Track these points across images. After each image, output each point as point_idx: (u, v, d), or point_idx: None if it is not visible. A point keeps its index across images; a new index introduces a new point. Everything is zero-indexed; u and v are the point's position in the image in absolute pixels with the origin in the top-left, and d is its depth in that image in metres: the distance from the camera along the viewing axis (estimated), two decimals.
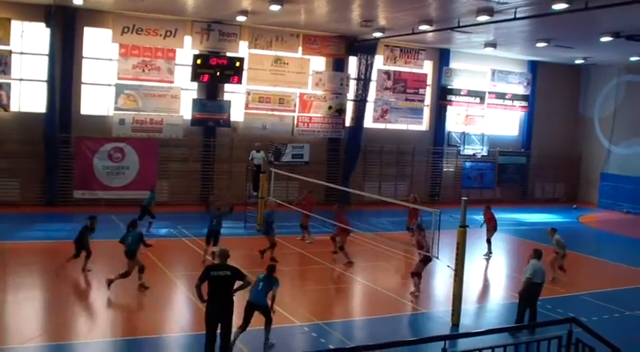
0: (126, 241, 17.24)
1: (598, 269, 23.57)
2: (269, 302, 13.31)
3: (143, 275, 17.03)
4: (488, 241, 24.02)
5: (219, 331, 11.75)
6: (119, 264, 17.98)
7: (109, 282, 16.67)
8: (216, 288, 11.67)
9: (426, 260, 17.63)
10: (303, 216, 24.31)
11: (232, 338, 12.36)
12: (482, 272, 21.76)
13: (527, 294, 15.15)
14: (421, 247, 17.72)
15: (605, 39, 27.69)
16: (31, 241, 22.20)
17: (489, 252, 23.79)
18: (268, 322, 13.27)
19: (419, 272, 17.78)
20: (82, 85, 29.44)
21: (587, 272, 23.09)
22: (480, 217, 24.57)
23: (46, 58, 28.11)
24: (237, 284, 11.88)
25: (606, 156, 40.74)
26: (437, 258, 16.98)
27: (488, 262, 23.37)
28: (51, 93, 28.22)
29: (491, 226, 24.20)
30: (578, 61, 38.23)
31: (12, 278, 17.60)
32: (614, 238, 30.82)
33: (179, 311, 16.28)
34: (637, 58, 33.49)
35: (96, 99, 29.91)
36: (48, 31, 27.93)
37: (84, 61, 29.32)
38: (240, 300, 12.51)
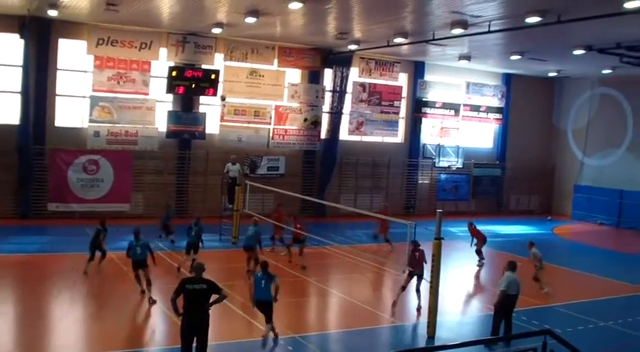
0: (134, 253, 17.41)
1: (573, 280, 23.73)
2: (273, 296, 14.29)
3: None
4: (479, 252, 24.62)
5: (194, 344, 11.67)
6: (97, 276, 17.88)
7: (150, 300, 17.04)
8: (191, 302, 11.58)
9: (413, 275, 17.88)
10: (275, 228, 24.31)
11: (265, 332, 14.05)
12: (458, 284, 21.78)
13: (503, 306, 15.19)
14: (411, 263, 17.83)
15: (577, 52, 27.99)
16: (4, 254, 21.85)
17: (482, 260, 24.57)
18: (270, 318, 14.22)
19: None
20: (57, 97, 29.21)
21: (562, 284, 23.18)
22: (468, 235, 25.17)
23: (20, 70, 27.88)
24: (213, 297, 11.81)
25: (580, 168, 41.13)
26: (412, 270, 17.02)
27: (480, 269, 24.04)
28: (25, 105, 28.00)
29: (481, 239, 24.77)
30: (551, 74, 38.65)
31: None
32: (589, 249, 31.06)
33: (154, 324, 16.15)
34: (609, 71, 33.84)
35: (70, 111, 29.68)
36: (22, 42, 27.73)
37: (58, 72, 29.09)
38: (215, 313, 12.42)
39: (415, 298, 17.91)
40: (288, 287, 19.98)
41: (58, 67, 29.08)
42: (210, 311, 11.81)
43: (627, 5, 18.59)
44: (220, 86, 31.51)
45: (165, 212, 25.87)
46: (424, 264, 17.76)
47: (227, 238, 25.58)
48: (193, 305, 11.59)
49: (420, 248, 17.78)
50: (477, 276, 23.60)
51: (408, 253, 17.59)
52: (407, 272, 18.05)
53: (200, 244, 20.82)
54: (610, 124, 39.03)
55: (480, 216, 33.48)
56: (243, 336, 14.92)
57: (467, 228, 25.43)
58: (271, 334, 14.37)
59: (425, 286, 16.47)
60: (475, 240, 24.85)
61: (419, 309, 17.63)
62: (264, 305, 14.26)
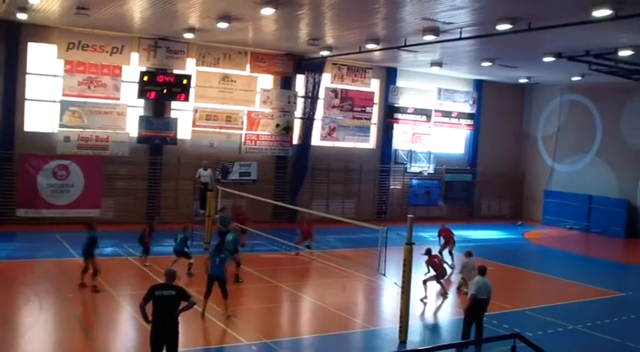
0: (83, 245, 18.57)
1: (543, 284, 23.93)
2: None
3: (95, 278, 18.27)
4: (450, 253, 24.80)
5: None
6: (67, 283, 17.76)
7: (82, 285, 18.41)
8: (160, 308, 11.44)
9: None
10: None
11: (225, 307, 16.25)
12: (429, 288, 21.81)
13: (473, 310, 15.26)
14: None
15: (547, 59, 28.27)
16: None
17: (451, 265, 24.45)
18: (225, 294, 16.37)
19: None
20: (26, 101, 28.91)
21: (532, 288, 23.44)
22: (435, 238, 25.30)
23: None
24: (182, 305, 11.69)
25: (550, 173, 41.54)
26: (384, 274, 17.07)
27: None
28: None
29: (451, 241, 24.99)
30: (522, 81, 39.03)
31: None
32: (559, 254, 31.31)
33: (123, 331, 16.03)
34: (578, 78, 34.26)
35: (40, 116, 29.39)
36: None
37: (28, 76, 28.79)
38: (186, 319, 12.35)
39: (387, 303, 17.92)
40: (260, 292, 20.01)
41: (28, 71, 28.79)
42: (179, 318, 11.70)
43: (595, 14, 18.85)
44: (192, 91, 31.41)
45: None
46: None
47: (199, 244, 25.41)
48: (162, 312, 11.43)
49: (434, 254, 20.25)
50: (448, 281, 23.65)
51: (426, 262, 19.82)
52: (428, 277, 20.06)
53: (186, 250, 21.04)
54: (579, 130, 39.50)
55: (451, 222, 33.63)
56: (213, 342, 14.87)
57: (438, 231, 25.48)
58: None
59: (396, 291, 16.50)
60: (442, 241, 24.97)
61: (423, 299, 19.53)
62: (217, 280, 16.30)
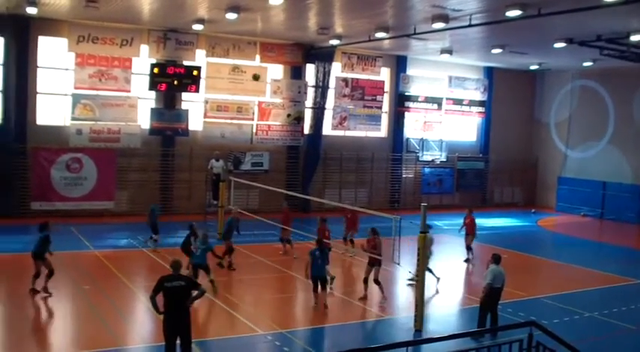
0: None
1: (558, 272, 23.82)
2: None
3: (49, 280, 17.19)
4: (469, 247, 24.14)
5: (179, 342, 11.61)
6: (81, 274, 17.78)
7: (34, 291, 17.06)
8: (171, 299, 11.50)
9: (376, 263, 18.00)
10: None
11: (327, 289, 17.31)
12: (444, 277, 21.78)
13: (488, 299, 15.24)
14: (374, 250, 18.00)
15: (558, 45, 28.10)
16: None
17: (471, 258, 24.02)
18: (324, 288, 17.09)
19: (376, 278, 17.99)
20: (38, 95, 28.97)
21: (547, 276, 23.38)
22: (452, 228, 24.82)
23: (1, 68, 27.69)
24: (193, 293, 11.73)
25: (563, 160, 41.36)
26: (398, 264, 17.06)
27: (469, 266, 23.71)
28: (5, 104, 27.88)
29: (471, 231, 24.27)
30: (533, 67, 38.81)
31: None
32: (573, 241, 31.18)
33: (139, 322, 16.07)
34: (590, 64, 34.05)
35: (52, 110, 29.46)
36: (1, 40, 27.56)
37: (39, 70, 28.83)
38: (200, 309, 12.38)
39: (402, 292, 17.88)
40: (275, 282, 20.04)
41: (39, 64, 28.84)
42: (190, 308, 11.73)
43: None
44: (203, 82, 31.39)
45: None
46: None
47: (212, 234, 25.37)
48: (173, 303, 11.50)
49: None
50: (463, 269, 23.62)
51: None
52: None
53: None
54: (592, 116, 39.27)
55: (464, 210, 33.55)
56: (229, 333, 14.88)
57: (465, 216, 24.87)
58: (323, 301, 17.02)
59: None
60: (464, 230, 24.48)
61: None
62: (319, 279, 16.97)
